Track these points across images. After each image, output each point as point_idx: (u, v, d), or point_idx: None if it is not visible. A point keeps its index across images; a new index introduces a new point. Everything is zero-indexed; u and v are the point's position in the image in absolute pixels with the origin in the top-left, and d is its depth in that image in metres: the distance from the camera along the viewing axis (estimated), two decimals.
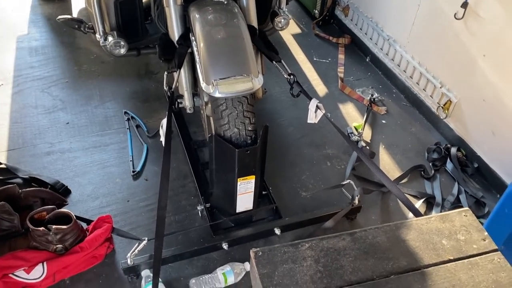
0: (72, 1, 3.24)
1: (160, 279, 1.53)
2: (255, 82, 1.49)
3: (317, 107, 1.65)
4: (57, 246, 1.54)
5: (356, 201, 1.80)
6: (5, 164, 1.97)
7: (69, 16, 2.05)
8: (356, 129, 2.28)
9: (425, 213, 1.93)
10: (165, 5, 1.66)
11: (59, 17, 2.03)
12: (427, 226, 1.30)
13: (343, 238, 1.25)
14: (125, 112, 2.31)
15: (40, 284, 1.53)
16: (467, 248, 1.23)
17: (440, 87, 2.24)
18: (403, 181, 2.08)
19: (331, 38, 2.98)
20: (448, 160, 2.13)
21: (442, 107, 2.24)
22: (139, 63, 2.65)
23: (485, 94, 1.98)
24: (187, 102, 1.79)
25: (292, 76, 1.73)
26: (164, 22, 1.85)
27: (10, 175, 1.93)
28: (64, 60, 2.67)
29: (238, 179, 1.58)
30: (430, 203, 1.97)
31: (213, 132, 1.59)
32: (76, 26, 2.04)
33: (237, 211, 1.70)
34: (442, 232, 1.28)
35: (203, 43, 1.52)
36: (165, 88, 1.72)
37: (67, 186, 1.90)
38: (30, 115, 2.28)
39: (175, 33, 1.68)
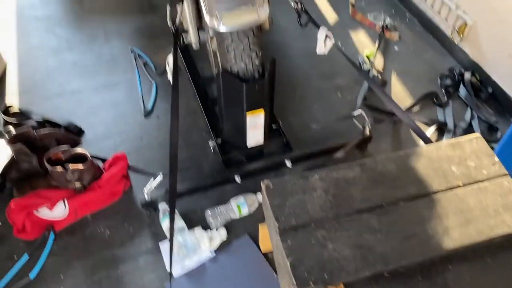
0: None
1: (177, 211, 1.60)
2: (261, 13, 1.44)
3: (326, 36, 1.61)
4: (76, 184, 1.60)
5: (367, 131, 1.79)
6: (18, 108, 1.99)
7: None
8: (368, 58, 2.23)
9: (437, 140, 1.93)
10: None
11: None
12: (437, 153, 1.30)
13: (353, 168, 1.26)
14: (132, 50, 2.28)
15: (64, 221, 1.61)
16: (476, 173, 1.24)
17: (456, 9, 2.14)
18: (415, 109, 2.06)
19: None
20: (462, 85, 2.09)
21: (457, 31, 2.15)
22: None
23: (503, 15, 1.89)
24: (192, 37, 1.75)
25: (299, 4, 1.66)
26: None
27: (24, 118, 1.95)
28: None
29: (247, 113, 1.58)
30: (442, 130, 1.96)
31: (220, 67, 1.57)
32: None
33: (248, 146, 1.72)
34: (452, 159, 1.28)
35: None
36: (168, 22, 1.68)
37: (80, 127, 1.93)
38: (37, 56, 2.27)
39: None
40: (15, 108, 1.99)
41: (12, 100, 2.07)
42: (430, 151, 1.31)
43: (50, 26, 2.43)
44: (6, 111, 1.97)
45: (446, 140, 1.52)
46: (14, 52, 2.29)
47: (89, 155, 1.60)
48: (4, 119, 1.94)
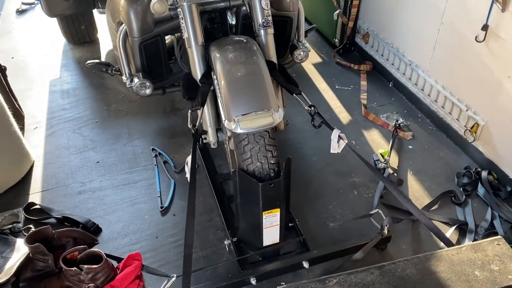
0: (101, 44, 3.41)
1: None
2: (276, 117, 1.51)
3: (340, 137, 1.66)
4: (89, 285, 1.57)
5: (386, 231, 1.76)
6: (39, 205, 2.05)
7: (97, 61, 2.15)
8: (383, 156, 2.26)
9: (458, 241, 1.87)
10: (187, 46, 1.72)
11: (88, 61, 2.13)
12: (458, 256, 1.26)
13: (372, 272, 1.23)
14: (153, 149, 2.37)
15: None
16: (501, 279, 1.19)
17: (466, 110, 2.20)
18: (433, 207, 2.03)
19: (352, 65, 2.99)
20: (479, 184, 2.07)
21: (469, 130, 2.20)
22: (165, 100, 2.73)
23: None
24: (211, 137, 1.83)
25: (312, 108, 1.74)
26: (187, 62, 1.91)
27: (44, 215, 2.00)
28: (94, 101, 2.79)
29: (263, 212, 1.59)
30: (463, 230, 1.91)
31: (237, 167, 1.61)
32: (104, 69, 2.13)
33: (264, 245, 1.70)
34: (475, 262, 1.24)
35: (224, 81, 1.56)
36: (189, 125, 1.77)
37: (98, 225, 1.95)
38: (63, 155, 2.37)
39: (197, 72, 1.74)
40: (36, 205, 2.05)
41: (35, 197, 2.13)
42: (451, 254, 1.27)
43: (77, 127, 2.57)
44: (28, 208, 2.02)
45: (467, 243, 1.48)
46: (42, 151, 2.41)
47: (104, 256, 1.60)
48: (25, 216, 1.99)
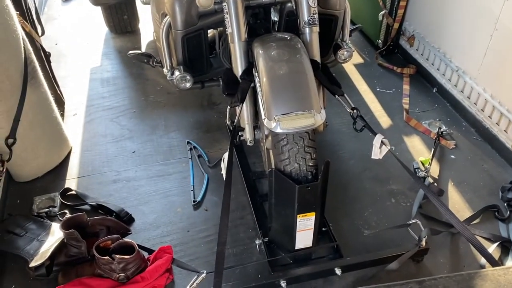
0: (141, 34, 3.44)
1: None
2: (317, 118, 1.47)
3: (382, 142, 1.60)
4: (119, 274, 1.58)
5: (423, 243, 1.69)
6: (75, 191, 2.08)
7: (139, 51, 2.15)
8: (423, 164, 2.18)
9: (500, 259, 1.78)
10: (230, 41, 1.70)
11: (130, 52, 2.14)
12: (505, 277, 1.19)
13: (411, 286, 1.17)
14: (188, 142, 2.37)
15: None
16: None
17: None
18: (474, 221, 1.94)
19: (395, 68, 2.90)
20: None
21: None
22: (203, 94, 2.72)
23: None
24: (248, 135, 1.80)
25: (355, 111, 1.69)
26: (228, 58, 1.89)
27: (79, 201, 2.02)
28: (132, 91, 2.81)
29: (298, 215, 1.55)
30: (506, 247, 1.82)
31: (273, 166, 1.58)
32: (145, 60, 2.14)
33: (296, 248, 1.66)
34: None
35: (265, 79, 1.52)
36: (227, 122, 1.75)
37: (131, 214, 1.96)
38: (100, 143, 2.40)
39: (238, 68, 1.71)
40: (72, 191, 2.08)
41: (71, 182, 2.16)
42: (497, 274, 1.20)
43: (115, 116, 2.60)
44: (64, 193, 2.06)
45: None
46: (80, 138, 2.45)
47: (136, 247, 1.60)
48: (61, 201, 2.02)
